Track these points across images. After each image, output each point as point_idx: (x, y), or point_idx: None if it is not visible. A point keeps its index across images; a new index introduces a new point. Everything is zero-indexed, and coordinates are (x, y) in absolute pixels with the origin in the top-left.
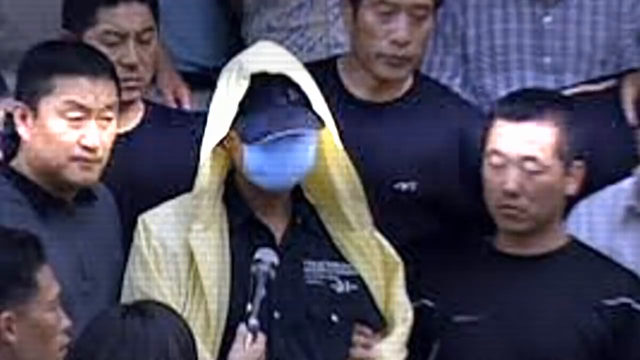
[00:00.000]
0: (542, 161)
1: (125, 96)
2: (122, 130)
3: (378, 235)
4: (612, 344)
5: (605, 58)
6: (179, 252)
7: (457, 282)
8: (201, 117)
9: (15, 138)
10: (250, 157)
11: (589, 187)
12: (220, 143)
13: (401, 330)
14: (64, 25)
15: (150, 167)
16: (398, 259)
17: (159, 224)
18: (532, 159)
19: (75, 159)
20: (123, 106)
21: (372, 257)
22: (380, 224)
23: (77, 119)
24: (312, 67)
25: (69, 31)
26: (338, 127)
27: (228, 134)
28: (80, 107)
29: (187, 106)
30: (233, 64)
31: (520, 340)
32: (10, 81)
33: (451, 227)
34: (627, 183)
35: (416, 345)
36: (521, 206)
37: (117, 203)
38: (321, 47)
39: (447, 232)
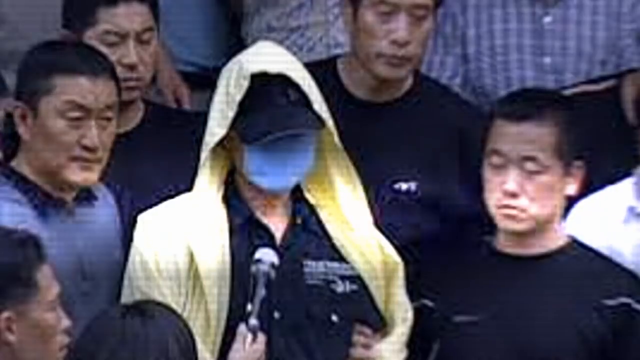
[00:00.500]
0: (542, 161)
1: (125, 96)
2: (122, 130)
3: (378, 235)
4: (612, 344)
5: (605, 58)
6: (179, 252)
7: (457, 282)
8: (201, 117)
9: (15, 138)
10: (250, 157)
11: (589, 187)
12: (220, 143)
13: (401, 330)
14: (64, 25)
15: (150, 167)
16: (398, 259)
17: (159, 224)
18: (532, 159)
19: (75, 159)
20: (123, 106)
21: (372, 257)
22: (380, 224)
23: (77, 119)
24: (312, 67)
25: (69, 31)
26: (338, 127)
27: (228, 134)
28: (80, 107)
29: (187, 106)
30: (233, 64)
31: (520, 340)
32: (10, 81)
33: (451, 227)
34: (627, 183)
35: (416, 345)
36: (521, 206)
37: (117, 203)
38: (321, 47)
39: (447, 232)
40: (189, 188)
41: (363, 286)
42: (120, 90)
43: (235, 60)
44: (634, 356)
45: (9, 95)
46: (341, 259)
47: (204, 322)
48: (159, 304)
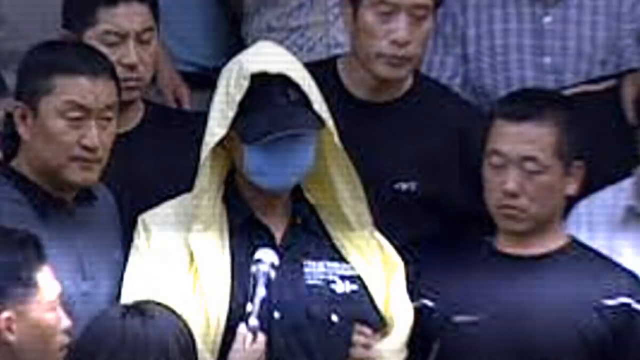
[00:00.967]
0: (542, 161)
1: (125, 96)
2: (122, 130)
3: (378, 235)
4: (612, 344)
5: (605, 58)
6: (179, 252)
7: (457, 282)
8: (201, 117)
9: (15, 138)
10: (250, 157)
11: (589, 187)
12: (220, 143)
13: (401, 330)
14: (64, 25)
15: (150, 167)
16: (398, 259)
17: (159, 224)
18: (532, 159)
19: (75, 159)
20: (123, 106)
21: (372, 257)
22: (380, 224)
23: (77, 119)
24: (312, 67)
25: (69, 31)
26: (338, 127)
27: (228, 134)
28: (80, 107)
29: (187, 106)
30: (233, 64)
31: (520, 340)
32: (10, 81)
33: (451, 227)
34: (627, 183)
35: (416, 345)
36: (521, 206)
37: (117, 203)
38: (321, 47)
39: (447, 232)
40: (189, 188)
41: (363, 286)
42: (120, 90)
43: (235, 60)
44: (634, 356)
45: (9, 95)
46: (341, 259)
47: (204, 322)
48: (159, 304)
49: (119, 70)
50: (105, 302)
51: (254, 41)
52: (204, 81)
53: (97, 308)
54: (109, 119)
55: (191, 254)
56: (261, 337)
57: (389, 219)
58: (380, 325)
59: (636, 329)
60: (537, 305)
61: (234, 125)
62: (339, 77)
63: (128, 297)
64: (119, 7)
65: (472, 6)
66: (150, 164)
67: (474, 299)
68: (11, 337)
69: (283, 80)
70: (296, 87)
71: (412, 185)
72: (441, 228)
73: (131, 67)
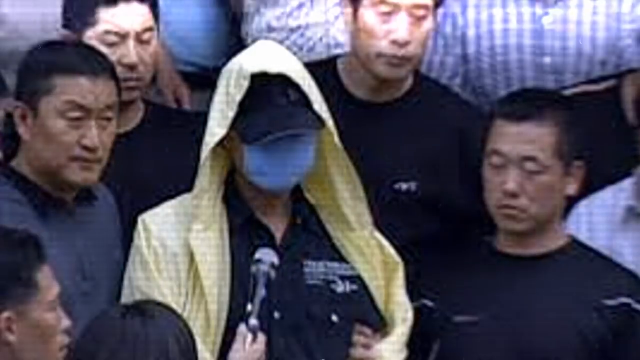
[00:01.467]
0: (542, 161)
1: (125, 96)
2: (122, 130)
3: (378, 235)
4: (612, 344)
5: (605, 58)
6: (179, 252)
7: (457, 282)
8: (201, 117)
9: (15, 138)
10: (250, 157)
11: (589, 187)
12: (220, 143)
13: (401, 330)
14: (64, 25)
15: (150, 167)
16: (398, 259)
17: (159, 224)
18: (532, 159)
19: (75, 159)
20: (123, 106)
21: (372, 257)
22: (380, 224)
23: (77, 119)
24: (312, 67)
25: (69, 31)
26: (338, 127)
27: (228, 134)
28: (80, 107)
29: (187, 106)
30: (233, 64)
31: (520, 340)
32: (10, 81)
33: (451, 227)
34: (627, 183)
35: (416, 345)
36: (521, 206)
37: (117, 203)
38: (321, 47)
39: (447, 232)
40: (189, 188)
41: (363, 286)
42: (120, 90)
43: (235, 60)
44: (634, 356)
45: (9, 95)
46: (341, 259)
47: (204, 322)
48: (159, 304)
49: (119, 70)
50: (105, 302)
51: (254, 41)
52: (204, 81)
53: (97, 308)
54: (109, 119)
55: (191, 254)
56: (261, 337)
57: (389, 219)
58: (380, 325)
59: (636, 329)
60: (537, 305)
61: (234, 125)
62: (339, 77)
63: (128, 297)
64: (119, 7)
65: (472, 6)
66: (150, 164)
67: (474, 299)
68: (11, 337)
69: (283, 80)
70: (296, 87)
71: (412, 185)
72: (441, 228)
73: (131, 67)
